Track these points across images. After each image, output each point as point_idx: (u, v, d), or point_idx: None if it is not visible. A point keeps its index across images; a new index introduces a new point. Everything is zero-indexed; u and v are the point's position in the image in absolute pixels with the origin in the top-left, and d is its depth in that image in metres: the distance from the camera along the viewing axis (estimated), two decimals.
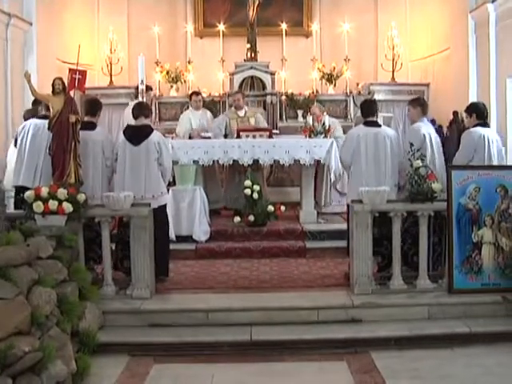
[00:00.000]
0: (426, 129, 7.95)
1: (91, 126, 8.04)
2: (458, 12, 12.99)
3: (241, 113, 11.14)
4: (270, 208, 9.67)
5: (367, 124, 8.03)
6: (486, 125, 7.89)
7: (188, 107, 12.37)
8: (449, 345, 6.26)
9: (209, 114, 11.74)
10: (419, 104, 8.20)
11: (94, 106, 8.27)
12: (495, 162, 7.62)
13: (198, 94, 11.82)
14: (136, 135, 7.74)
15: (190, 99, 11.75)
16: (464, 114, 8.49)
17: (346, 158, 7.93)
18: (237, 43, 14.59)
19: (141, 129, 7.78)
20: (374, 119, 8.11)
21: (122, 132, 7.95)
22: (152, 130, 7.83)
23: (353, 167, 7.89)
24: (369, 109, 8.18)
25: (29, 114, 8.84)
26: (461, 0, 12.85)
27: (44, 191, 6.60)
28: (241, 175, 10.42)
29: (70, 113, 7.65)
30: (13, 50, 11.41)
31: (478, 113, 7.91)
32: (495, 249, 6.99)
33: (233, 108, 11.38)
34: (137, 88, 10.05)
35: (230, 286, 7.51)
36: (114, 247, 7.43)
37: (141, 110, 7.91)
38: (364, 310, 6.72)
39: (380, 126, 8.18)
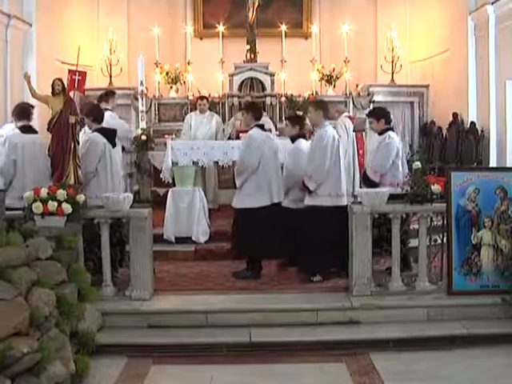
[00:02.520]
0: (332, 131, 7.89)
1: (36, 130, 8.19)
2: (458, 13, 13.01)
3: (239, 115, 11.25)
4: None
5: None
6: (393, 129, 8.15)
7: (188, 109, 12.47)
8: (448, 346, 6.26)
9: (216, 117, 11.96)
10: (320, 107, 8.06)
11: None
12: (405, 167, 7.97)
13: (202, 98, 12.32)
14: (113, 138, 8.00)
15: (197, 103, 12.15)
16: (369, 119, 8.55)
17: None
18: (236, 44, 14.59)
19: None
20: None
21: (96, 134, 8.01)
22: None
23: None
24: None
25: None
26: (460, 1, 12.88)
27: (43, 192, 6.59)
28: None
29: (69, 114, 7.65)
30: (12, 50, 11.43)
31: (387, 117, 8.11)
32: (494, 251, 6.99)
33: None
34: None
35: (229, 288, 7.50)
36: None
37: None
38: (363, 312, 6.71)
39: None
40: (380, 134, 8.12)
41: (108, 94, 10.44)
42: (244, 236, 7.79)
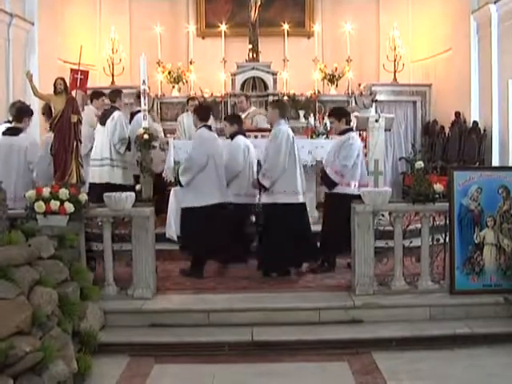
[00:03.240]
0: (286, 129, 7.95)
1: (15, 132, 8.23)
2: (460, 13, 12.99)
3: (243, 115, 11.21)
4: None
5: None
6: (353, 129, 8.35)
7: (187, 110, 12.47)
8: (450, 346, 6.25)
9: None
10: (277, 106, 8.23)
11: (21, 113, 8.38)
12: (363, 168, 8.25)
13: (193, 98, 12.18)
14: None
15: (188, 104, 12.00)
16: (330, 119, 8.76)
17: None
18: (238, 44, 14.60)
19: None
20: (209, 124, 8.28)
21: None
22: None
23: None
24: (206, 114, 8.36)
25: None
26: (463, 1, 12.87)
27: (46, 191, 6.59)
28: None
29: (71, 113, 7.65)
30: (14, 49, 11.44)
31: (347, 118, 8.33)
32: (497, 250, 6.98)
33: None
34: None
35: (231, 287, 7.50)
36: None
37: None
38: (365, 311, 6.71)
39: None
40: (340, 134, 8.31)
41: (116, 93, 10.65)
42: (189, 234, 7.90)
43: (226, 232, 7.84)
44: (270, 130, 10.85)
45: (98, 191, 8.36)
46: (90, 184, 9.60)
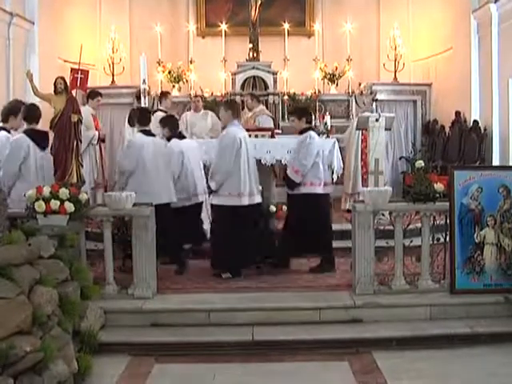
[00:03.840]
0: (239, 132, 7.98)
1: None
2: (461, 12, 12.98)
3: (250, 114, 11.34)
4: (272, 208, 9.66)
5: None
6: (314, 129, 8.43)
7: (191, 107, 12.50)
8: (451, 345, 6.25)
9: (211, 114, 11.91)
10: (230, 107, 8.19)
11: (4, 112, 8.20)
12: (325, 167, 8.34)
13: (196, 96, 12.52)
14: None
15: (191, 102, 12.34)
16: (291, 117, 8.74)
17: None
18: (239, 43, 14.59)
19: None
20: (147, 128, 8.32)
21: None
22: None
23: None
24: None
25: None
26: (463, 0, 12.84)
27: (46, 191, 6.59)
28: None
29: (71, 112, 7.65)
30: (15, 49, 11.43)
31: (308, 117, 8.35)
32: (497, 249, 6.98)
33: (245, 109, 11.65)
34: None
35: (232, 286, 7.50)
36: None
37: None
38: (366, 311, 6.71)
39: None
40: (300, 133, 8.31)
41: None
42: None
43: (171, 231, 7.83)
44: (270, 130, 10.93)
45: None
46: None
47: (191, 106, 12.20)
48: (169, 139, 8.68)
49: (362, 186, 10.04)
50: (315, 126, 10.71)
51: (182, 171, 8.62)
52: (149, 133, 8.25)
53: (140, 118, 8.38)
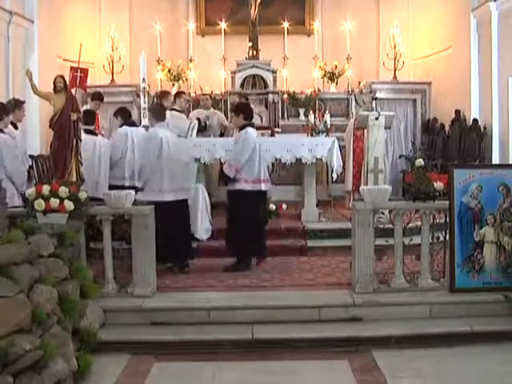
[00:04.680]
0: (161, 132, 8.24)
1: None
2: (460, 10, 12.99)
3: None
4: (272, 206, 9.65)
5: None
6: (253, 125, 8.49)
7: (190, 106, 12.55)
8: (450, 344, 6.25)
9: (218, 114, 12.08)
10: (152, 111, 8.63)
11: None
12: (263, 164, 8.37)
13: (204, 94, 12.73)
14: None
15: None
16: (230, 113, 9.13)
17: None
18: (238, 41, 14.59)
19: None
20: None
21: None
22: None
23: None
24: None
25: None
26: None
27: (45, 189, 6.58)
28: None
29: (71, 111, 7.65)
30: (14, 47, 11.43)
31: (246, 113, 8.41)
32: (497, 248, 6.98)
33: None
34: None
35: (232, 285, 7.50)
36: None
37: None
38: (365, 309, 6.71)
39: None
40: (240, 129, 8.40)
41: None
42: None
43: None
44: (269, 128, 10.94)
45: None
46: None
47: (200, 104, 12.31)
48: (120, 126, 9.30)
49: (352, 185, 10.14)
50: (314, 124, 10.73)
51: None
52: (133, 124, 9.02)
53: (121, 114, 9.17)
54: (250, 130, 8.30)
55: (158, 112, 8.52)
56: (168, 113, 9.84)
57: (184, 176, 8.47)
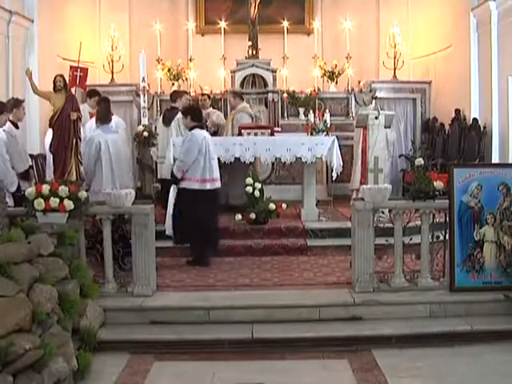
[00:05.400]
0: (102, 137, 8.68)
1: None
2: (460, 10, 12.97)
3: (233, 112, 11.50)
4: (272, 206, 9.66)
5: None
6: (202, 127, 8.73)
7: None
8: (450, 343, 6.26)
9: (217, 114, 11.99)
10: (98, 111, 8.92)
11: None
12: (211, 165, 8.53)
13: (203, 94, 12.69)
14: None
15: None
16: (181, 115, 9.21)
17: None
18: (238, 41, 14.57)
19: None
20: None
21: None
22: None
23: None
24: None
25: None
26: None
27: (45, 188, 6.58)
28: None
29: (71, 110, 7.65)
30: (14, 47, 11.41)
31: (194, 115, 8.65)
32: (497, 247, 6.98)
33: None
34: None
35: (231, 284, 7.50)
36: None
37: None
38: (365, 308, 6.71)
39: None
40: (190, 130, 8.60)
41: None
42: None
43: None
44: (268, 128, 10.94)
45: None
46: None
47: (199, 104, 12.31)
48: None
49: (360, 183, 10.09)
50: (314, 123, 10.72)
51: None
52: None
53: (101, 115, 9.16)
54: (196, 131, 8.46)
55: (102, 115, 8.86)
56: (180, 115, 9.97)
57: (127, 176, 9.08)
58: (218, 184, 8.57)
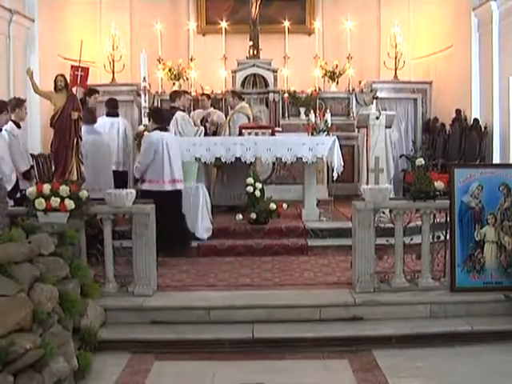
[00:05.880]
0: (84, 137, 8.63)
1: None
2: (461, 10, 12.98)
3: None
4: (272, 206, 9.67)
5: None
6: (164, 129, 8.76)
7: (191, 105, 12.53)
8: (451, 343, 6.25)
9: (217, 114, 11.99)
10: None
11: None
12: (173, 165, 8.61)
13: (202, 94, 12.67)
14: None
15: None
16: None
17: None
18: (239, 40, 14.58)
19: None
20: None
21: None
22: None
23: None
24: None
25: None
26: None
27: (46, 188, 6.58)
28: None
29: (72, 110, 7.65)
30: (15, 46, 11.42)
31: (157, 117, 8.82)
32: (498, 247, 6.97)
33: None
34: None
35: (232, 284, 7.49)
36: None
37: None
38: (366, 308, 6.70)
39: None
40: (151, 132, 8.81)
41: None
42: None
43: None
44: (269, 127, 10.94)
45: None
46: None
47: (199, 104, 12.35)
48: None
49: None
50: (315, 123, 10.72)
51: None
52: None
53: (88, 116, 9.17)
54: (154, 133, 8.59)
55: (85, 116, 8.83)
56: (178, 114, 9.99)
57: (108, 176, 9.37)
58: (179, 186, 8.61)
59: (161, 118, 8.85)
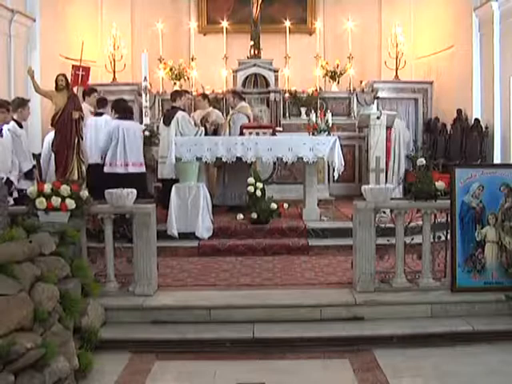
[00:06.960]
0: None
1: None
2: (463, 10, 12.99)
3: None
4: (273, 205, 9.67)
5: None
6: (124, 118, 9.81)
7: (192, 105, 12.53)
8: (451, 343, 6.24)
9: (215, 113, 11.94)
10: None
11: None
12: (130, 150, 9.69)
13: (199, 94, 12.60)
14: None
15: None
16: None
17: None
18: (240, 40, 14.60)
19: None
20: None
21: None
22: None
23: None
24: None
25: None
26: None
27: (47, 188, 6.58)
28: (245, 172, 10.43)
29: (73, 109, 7.66)
30: (16, 46, 11.43)
31: (117, 108, 9.93)
32: (498, 247, 6.96)
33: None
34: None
35: (233, 284, 7.49)
36: None
37: None
38: (366, 308, 6.70)
39: None
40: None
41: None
42: None
43: None
44: (270, 127, 10.95)
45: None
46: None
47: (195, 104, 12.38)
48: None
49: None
50: (316, 123, 10.72)
51: None
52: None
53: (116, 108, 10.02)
54: (113, 121, 9.72)
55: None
56: (179, 114, 10.03)
57: None
58: (131, 169, 9.55)
59: (121, 108, 9.80)
